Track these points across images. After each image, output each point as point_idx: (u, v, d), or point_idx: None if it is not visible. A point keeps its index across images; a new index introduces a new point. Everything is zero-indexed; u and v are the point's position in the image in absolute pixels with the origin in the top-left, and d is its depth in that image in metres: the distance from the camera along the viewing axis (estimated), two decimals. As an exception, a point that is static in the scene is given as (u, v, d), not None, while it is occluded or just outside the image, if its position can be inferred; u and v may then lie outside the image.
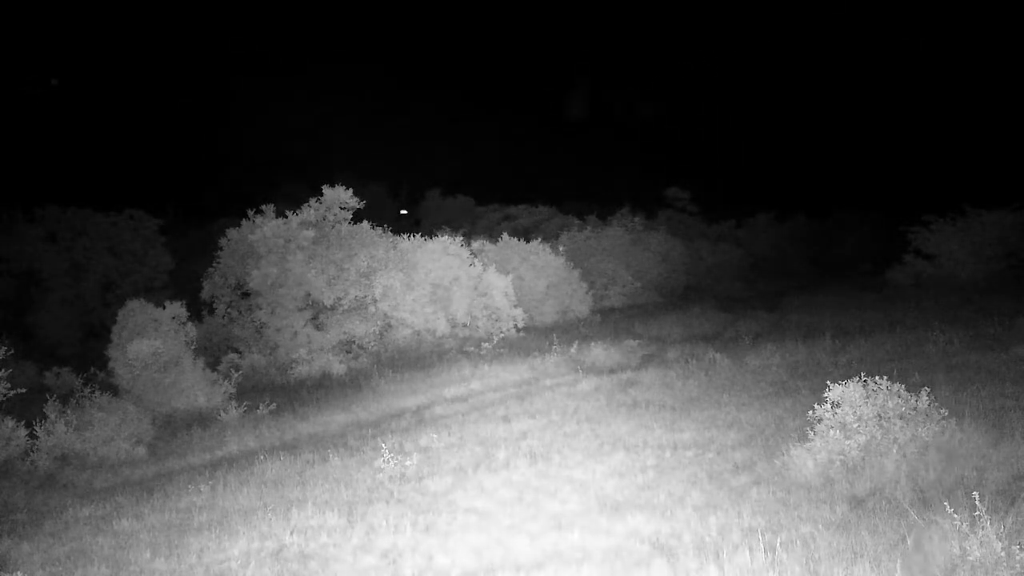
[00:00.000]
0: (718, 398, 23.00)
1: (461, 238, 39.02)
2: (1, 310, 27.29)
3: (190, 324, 27.71)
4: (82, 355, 37.46)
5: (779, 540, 12.42)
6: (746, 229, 68.07)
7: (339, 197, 34.39)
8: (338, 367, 31.40)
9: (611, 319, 42.12)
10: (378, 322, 34.17)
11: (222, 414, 25.17)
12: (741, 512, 14.03)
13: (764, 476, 15.94)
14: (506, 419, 22.25)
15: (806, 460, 15.54)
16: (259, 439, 22.88)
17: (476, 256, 38.77)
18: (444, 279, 35.78)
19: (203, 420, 25.14)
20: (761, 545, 12.31)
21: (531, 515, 14.48)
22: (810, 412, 16.29)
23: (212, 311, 34.44)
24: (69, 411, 22.65)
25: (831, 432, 15.45)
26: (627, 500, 15.11)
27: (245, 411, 25.35)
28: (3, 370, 22.41)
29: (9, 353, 23.48)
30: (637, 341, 32.97)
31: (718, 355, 28.04)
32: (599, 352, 30.12)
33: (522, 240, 43.86)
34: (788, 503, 14.38)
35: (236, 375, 28.70)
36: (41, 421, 22.12)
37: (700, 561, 12.09)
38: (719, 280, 57.72)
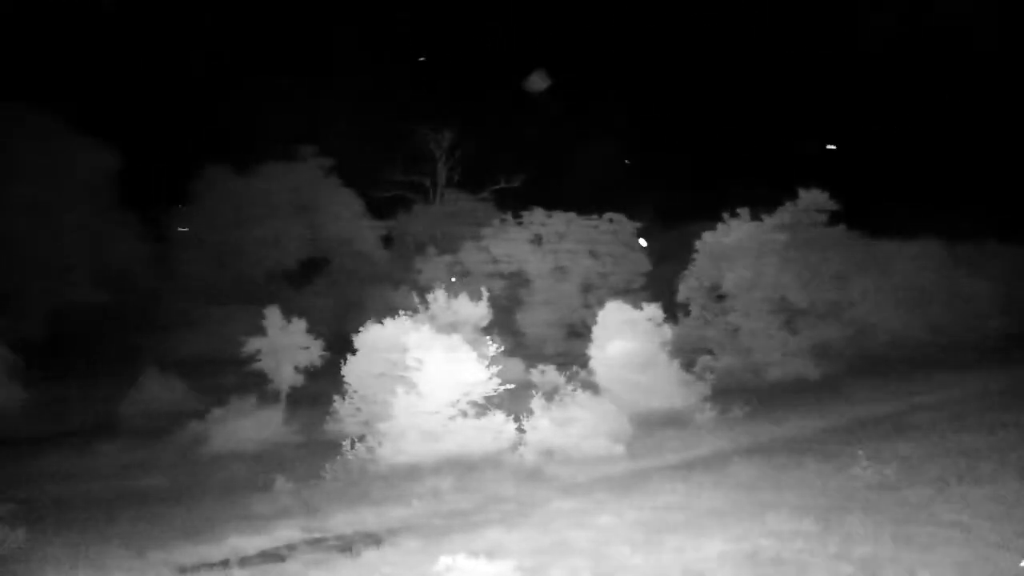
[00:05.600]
0: None
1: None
2: (493, 308, 29.32)
3: (666, 325, 28.30)
4: (565, 353, 39.51)
5: None
6: None
7: (815, 199, 33.98)
8: (812, 371, 31.03)
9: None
10: (853, 327, 33.41)
11: (696, 415, 25.60)
12: None
13: None
14: (991, 430, 21.05)
15: None
16: (732, 441, 23.08)
17: (957, 261, 36.93)
18: (923, 283, 34.38)
19: (678, 420, 25.62)
20: None
21: (1021, 532, 13.65)
22: None
23: (687, 313, 35.15)
24: (553, 407, 23.84)
25: None
26: None
27: (719, 412, 25.64)
28: (494, 366, 24.04)
29: (499, 350, 25.19)
30: None
31: None
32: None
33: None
34: None
35: (710, 376, 29.03)
36: (528, 416, 23.49)
37: None
38: None
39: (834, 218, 34.94)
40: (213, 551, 16.78)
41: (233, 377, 32.71)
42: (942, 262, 35.35)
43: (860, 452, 18.12)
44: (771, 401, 27.59)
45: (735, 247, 33.27)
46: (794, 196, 34.59)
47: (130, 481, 24.38)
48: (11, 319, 35.66)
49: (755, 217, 34.45)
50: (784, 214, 34.10)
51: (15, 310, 39.43)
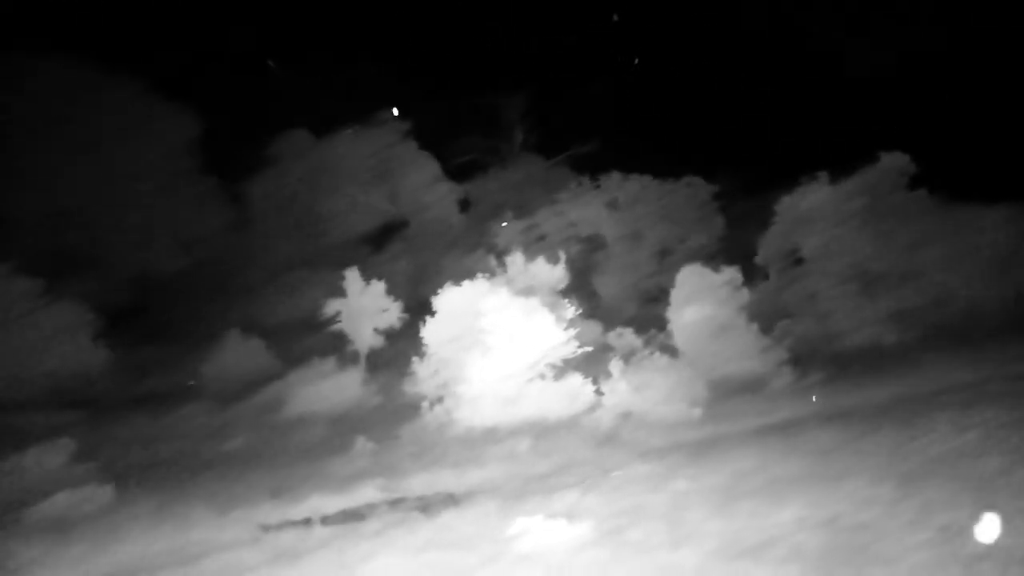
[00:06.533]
0: None
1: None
2: (571, 273, 29.47)
3: (744, 289, 28.22)
4: (642, 317, 39.48)
5: None
6: None
7: (895, 163, 33.50)
8: (889, 337, 30.72)
9: None
10: (931, 293, 32.94)
11: (774, 380, 25.51)
12: None
13: None
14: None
15: None
16: (810, 406, 22.97)
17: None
18: (1004, 249, 33.75)
19: (755, 385, 25.55)
20: None
21: (1103, 502, 13.46)
22: None
23: (766, 277, 34.95)
24: (630, 371, 23.94)
25: None
26: None
27: (796, 378, 25.52)
28: (571, 329, 24.20)
29: (577, 313, 25.34)
30: None
31: None
32: None
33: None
34: None
35: (788, 341, 28.88)
36: (605, 379, 23.61)
37: None
38: None
39: (914, 182, 34.41)
40: (294, 510, 17.25)
41: (313, 339, 33.26)
42: (1025, 227, 34.57)
43: (938, 418, 17.97)
44: (848, 367, 27.37)
45: (814, 211, 32.99)
46: (874, 159, 34.12)
47: (212, 442, 25.01)
48: (95, 284, 36.47)
49: (834, 181, 34.06)
50: (863, 178, 33.65)
51: (99, 275, 40.25)
